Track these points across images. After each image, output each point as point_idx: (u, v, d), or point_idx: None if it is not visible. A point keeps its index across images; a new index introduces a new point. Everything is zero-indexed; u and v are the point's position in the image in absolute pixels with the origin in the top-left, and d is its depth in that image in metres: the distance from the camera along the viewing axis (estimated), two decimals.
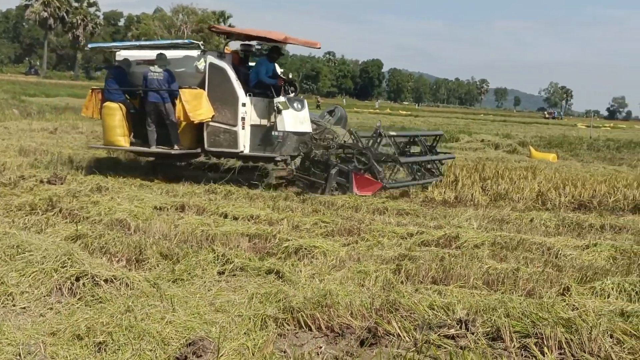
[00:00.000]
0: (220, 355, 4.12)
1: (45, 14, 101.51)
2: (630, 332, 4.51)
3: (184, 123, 12.00)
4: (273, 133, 11.71)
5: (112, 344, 4.21)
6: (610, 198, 11.19)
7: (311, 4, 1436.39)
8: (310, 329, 4.82)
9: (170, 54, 12.40)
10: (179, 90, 11.80)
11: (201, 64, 12.08)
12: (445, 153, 13.69)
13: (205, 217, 8.80)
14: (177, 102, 11.77)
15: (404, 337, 4.64)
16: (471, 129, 36.78)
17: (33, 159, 13.77)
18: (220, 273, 6.07)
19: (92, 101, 12.93)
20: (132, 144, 12.68)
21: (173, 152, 12.19)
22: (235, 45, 13.06)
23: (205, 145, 12.11)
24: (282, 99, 11.71)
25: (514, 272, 6.27)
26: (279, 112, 11.59)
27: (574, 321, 4.56)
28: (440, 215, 9.95)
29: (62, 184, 10.63)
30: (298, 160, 12.03)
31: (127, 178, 11.98)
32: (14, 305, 4.99)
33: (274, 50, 12.67)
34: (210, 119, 11.88)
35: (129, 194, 10.11)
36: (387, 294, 5.34)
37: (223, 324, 4.63)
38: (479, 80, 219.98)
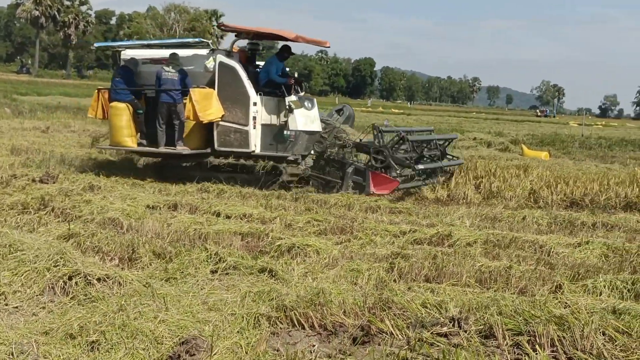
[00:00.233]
0: (213, 353, 4.11)
1: (37, 13, 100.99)
2: (622, 329, 4.53)
3: (192, 123, 11.84)
4: (285, 132, 11.64)
5: (105, 343, 4.20)
6: (602, 196, 11.24)
7: (304, 3, 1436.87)
8: (303, 328, 4.82)
9: (178, 52, 12.27)
10: (190, 89, 11.65)
11: (210, 63, 11.96)
12: (453, 157, 13.53)
13: (198, 216, 8.79)
14: (187, 101, 11.60)
15: (397, 335, 4.64)
16: (463, 127, 36.78)
17: (25, 157, 13.70)
18: (213, 272, 6.06)
19: (98, 102, 12.73)
20: (139, 144, 12.55)
21: (185, 152, 12.05)
22: (241, 43, 12.94)
23: (215, 145, 11.95)
24: (294, 97, 11.67)
25: (506, 270, 6.29)
26: (291, 111, 11.55)
27: (566, 319, 4.57)
28: (432, 213, 9.97)
29: (54, 182, 10.58)
30: (309, 160, 11.99)
31: (119, 177, 11.95)
32: (6, 305, 4.97)
33: (284, 49, 12.55)
34: (219, 119, 11.75)
35: (122, 193, 10.08)
36: (380, 292, 5.34)
37: (216, 322, 4.62)
38: (471, 79, 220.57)
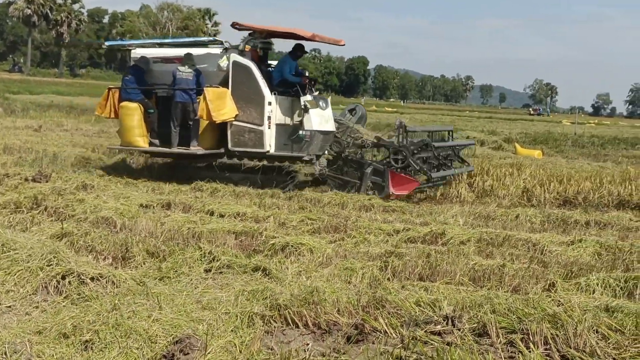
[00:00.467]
0: (207, 352, 4.11)
1: (29, 11, 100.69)
2: (615, 327, 4.54)
3: (206, 123, 11.69)
4: (300, 132, 11.50)
5: (98, 342, 4.18)
6: (595, 194, 11.29)
7: (300, 2, 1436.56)
8: (297, 326, 4.82)
9: (191, 51, 12.15)
10: (204, 88, 11.53)
11: (223, 62, 11.80)
12: (463, 161, 13.44)
13: (192, 215, 8.78)
14: (201, 101, 11.47)
15: (391, 333, 4.65)
16: (457, 126, 36.72)
17: (17, 156, 13.65)
18: (207, 271, 6.06)
19: (109, 100, 12.55)
20: (150, 144, 12.42)
21: (199, 152, 11.96)
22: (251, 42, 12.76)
23: (229, 145, 11.84)
24: (309, 97, 11.58)
25: (499, 269, 6.30)
26: (307, 110, 11.43)
27: (560, 317, 4.59)
28: (426, 212, 9.99)
29: (47, 181, 10.53)
30: (323, 160, 11.95)
31: (112, 176, 11.93)
32: None
33: (298, 47, 12.39)
34: (233, 119, 11.62)
35: (115, 192, 10.05)
36: (373, 291, 5.34)
37: (210, 321, 4.61)
38: (465, 77, 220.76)
